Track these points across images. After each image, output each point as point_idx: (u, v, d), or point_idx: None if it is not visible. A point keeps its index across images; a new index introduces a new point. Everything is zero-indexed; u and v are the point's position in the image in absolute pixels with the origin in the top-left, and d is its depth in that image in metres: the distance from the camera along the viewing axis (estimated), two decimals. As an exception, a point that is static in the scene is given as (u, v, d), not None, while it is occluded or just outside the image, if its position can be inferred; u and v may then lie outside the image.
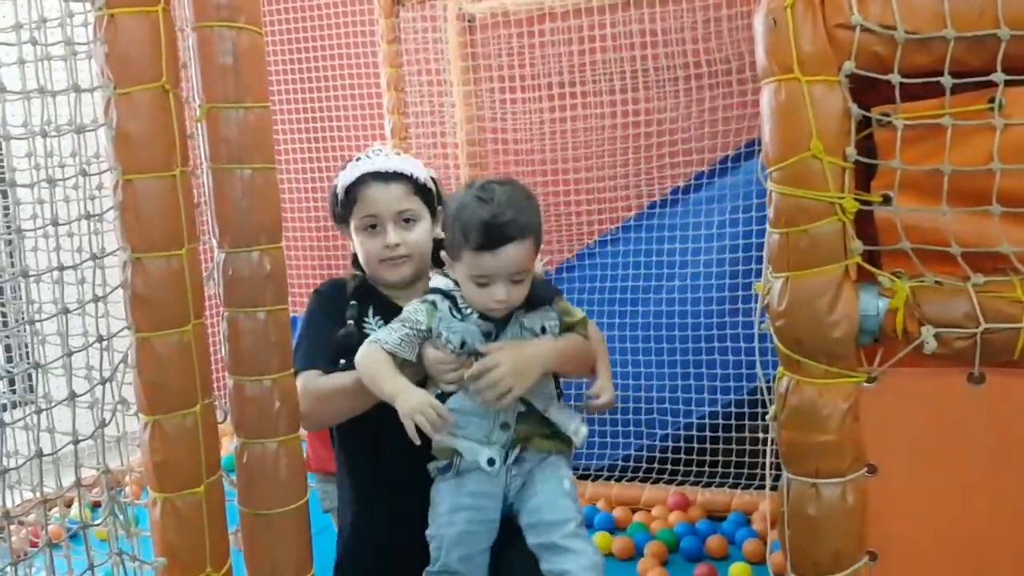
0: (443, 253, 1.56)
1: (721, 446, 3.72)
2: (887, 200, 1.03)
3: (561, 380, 1.68)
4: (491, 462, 1.53)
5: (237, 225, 1.28)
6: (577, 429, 1.60)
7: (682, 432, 3.75)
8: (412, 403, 1.42)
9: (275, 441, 1.32)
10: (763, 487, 3.67)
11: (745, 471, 3.66)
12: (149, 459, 1.22)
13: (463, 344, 1.53)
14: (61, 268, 1.20)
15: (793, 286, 1.05)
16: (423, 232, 1.69)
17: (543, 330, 1.58)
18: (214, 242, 1.30)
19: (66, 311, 1.20)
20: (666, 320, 3.87)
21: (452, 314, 1.54)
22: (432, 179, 1.74)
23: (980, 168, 1.00)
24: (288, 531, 1.34)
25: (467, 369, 1.50)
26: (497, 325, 1.55)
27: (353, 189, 1.67)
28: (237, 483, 1.34)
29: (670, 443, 3.72)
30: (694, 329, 3.83)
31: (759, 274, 1.28)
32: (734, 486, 3.65)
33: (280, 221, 1.34)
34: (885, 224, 1.05)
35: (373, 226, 1.67)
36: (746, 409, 3.68)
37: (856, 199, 1.04)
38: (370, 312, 1.69)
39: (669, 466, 3.76)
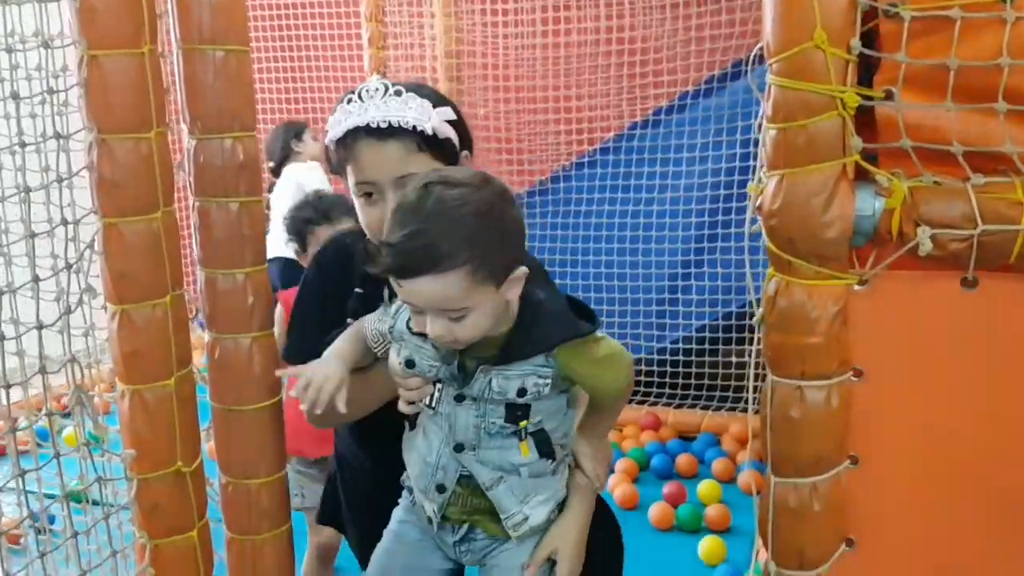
0: None
1: (693, 369, 3.75)
2: (889, 95, 1.00)
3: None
4: (429, 520, 1.31)
5: (209, 110, 1.23)
6: (519, 523, 1.28)
7: (655, 356, 3.78)
8: (319, 371, 1.22)
9: (248, 336, 1.29)
10: (734, 409, 3.74)
11: (717, 393, 3.71)
12: (117, 350, 1.19)
13: (410, 364, 1.24)
14: (23, 145, 1.14)
15: (788, 184, 1.01)
16: None
17: (521, 392, 1.21)
18: (184, 128, 1.24)
19: (28, 190, 1.14)
20: (642, 245, 3.86)
21: (408, 327, 1.24)
22: (452, 120, 1.35)
23: (987, 63, 0.96)
24: (261, 428, 1.32)
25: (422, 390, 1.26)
26: (458, 369, 1.23)
27: (343, 145, 1.31)
28: (209, 379, 1.30)
29: (643, 366, 3.75)
30: (670, 254, 3.83)
31: (741, 198, 1.25)
32: (705, 407, 3.70)
33: (254, 109, 1.28)
34: (885, 121, 1.01)
35: (369, 194, 1.31)
36: (720, 334, 3.71)
37: (858, 94, 1.00)
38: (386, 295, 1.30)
39: (642, 388, 3.79)
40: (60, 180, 1.15)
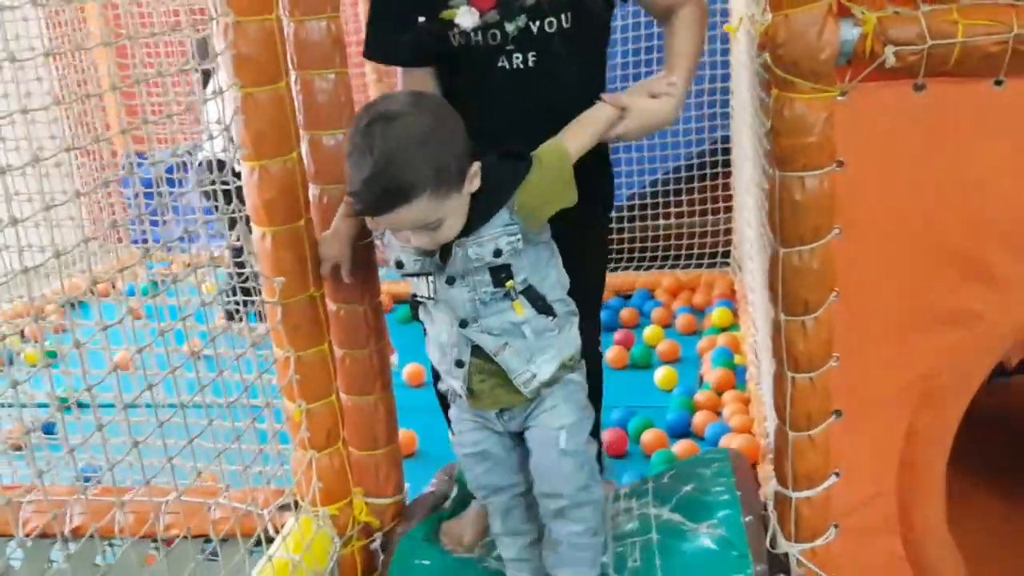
0: None
1: (626, 235, 4.15)
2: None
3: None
4: (459, 396, 1.50)
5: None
6: (527, 380, 1.44)
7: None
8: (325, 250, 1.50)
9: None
10: (663, 267, 4.14)
11: (648, 254, 4.13)
12: (257, 199, 1.44)
13: (399, 264, 1.42)
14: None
15: (791, 21, 1.35)
16: None
17: (497, 253, 1.37)
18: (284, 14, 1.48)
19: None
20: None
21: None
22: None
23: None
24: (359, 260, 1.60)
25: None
26: (440, 255, 1.39)
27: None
28: (315, 224, 1.57)
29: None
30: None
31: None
32: (637, 268, 4.12)
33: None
34: (856, -30, 1.36)
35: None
36: (648, 200, 4.11)
37: (836, -50, 1.33)
38: None
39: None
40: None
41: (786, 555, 1.62)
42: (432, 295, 1.43)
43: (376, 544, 1.71)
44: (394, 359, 2.54)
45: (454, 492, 1.85)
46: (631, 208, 4.11)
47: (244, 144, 1.41)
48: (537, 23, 1.48)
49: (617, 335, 3.56)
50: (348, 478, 1.65)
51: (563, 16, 1.48)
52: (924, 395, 1.54)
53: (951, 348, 1.50)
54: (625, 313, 3.82)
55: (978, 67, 1.36)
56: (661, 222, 4.05)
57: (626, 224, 4.12)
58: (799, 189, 1.43)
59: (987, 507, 2.10)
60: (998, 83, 1.37)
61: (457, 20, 1.46)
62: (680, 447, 2.69)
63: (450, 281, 1.40)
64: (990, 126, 1.40)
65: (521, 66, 1.49)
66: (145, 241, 3.86)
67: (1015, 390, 2.82)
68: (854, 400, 1.55)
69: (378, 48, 1.56)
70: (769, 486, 1.67)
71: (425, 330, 1.52)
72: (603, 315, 3.78)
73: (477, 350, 1.44)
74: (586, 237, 1.65)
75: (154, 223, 3.55)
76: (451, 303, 1.42)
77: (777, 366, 1.57)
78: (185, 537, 1.57)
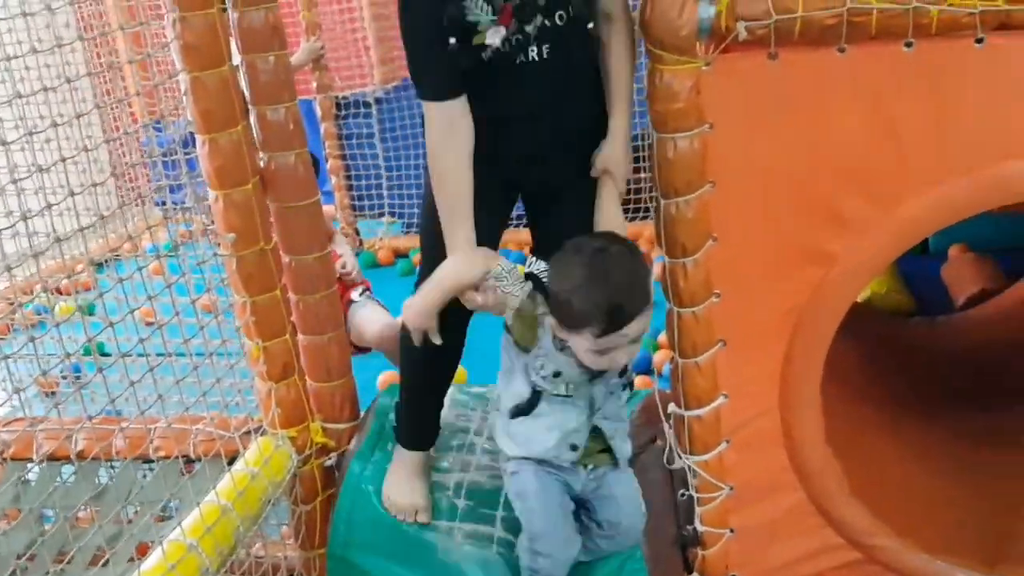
0: (551, 321, 1.61)
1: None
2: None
3: None
4: (574, 448, 1.71)
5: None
6: (625, 451, 1.77)
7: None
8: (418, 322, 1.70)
9: (292, 153, 1.81)
10: (646, 217, 4.38)
11: (631, 206, 4.32)
12: (209, 166, 1.70)
13: (557, 374, 1.64)
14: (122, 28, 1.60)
15: (656, 2, 1.55)
16: None
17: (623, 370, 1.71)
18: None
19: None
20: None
21: (553, 339, 1.63)
22: None
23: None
24: (309, 219, 1.86)
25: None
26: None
27: None
28: (268, 187, 1.83)
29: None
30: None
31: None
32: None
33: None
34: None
35: None
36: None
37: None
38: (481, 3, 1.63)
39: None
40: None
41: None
42: (570, 392, 1.67)
43: (331, 462, 1.98)
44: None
45: (372, 426, 2.05)
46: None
47: (195, 120, 1.66)
48: (550, 20, 1.71)
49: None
50: (305, 405, 1.92)
51: (569, 7, 1.71)
52: (796, 325, 1.75)
53: (815, 284, 1.71)
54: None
55: (821, 37, 1.55)
56: (644, 175, 4.23)
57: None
58: (671, 148, 1.65)
59: (907, 431, 2.33)
60: (840, 50, 1.57)
61: (488, 41, 1.65)
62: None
63: (593, 379, 1.67)
64: (836, 88, 1.59)
65: (537, 58, 1.70)
66: (164, 204, 4.17)
67: (955, 326, 3.04)
68: (736, 330, 1.77)
69: (438, 86, 1.67)
70: (669, 407, 1.90)
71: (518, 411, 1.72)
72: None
73: (593, 434, 1.72)
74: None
75: (172, 189, 3.84)
76: (586, 398, 1.68)
77: (668, 302, 1.80)
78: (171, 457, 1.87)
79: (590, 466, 1.76)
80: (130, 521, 1.98)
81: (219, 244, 1.73)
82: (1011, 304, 2.95)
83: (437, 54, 1.65)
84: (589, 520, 1.82)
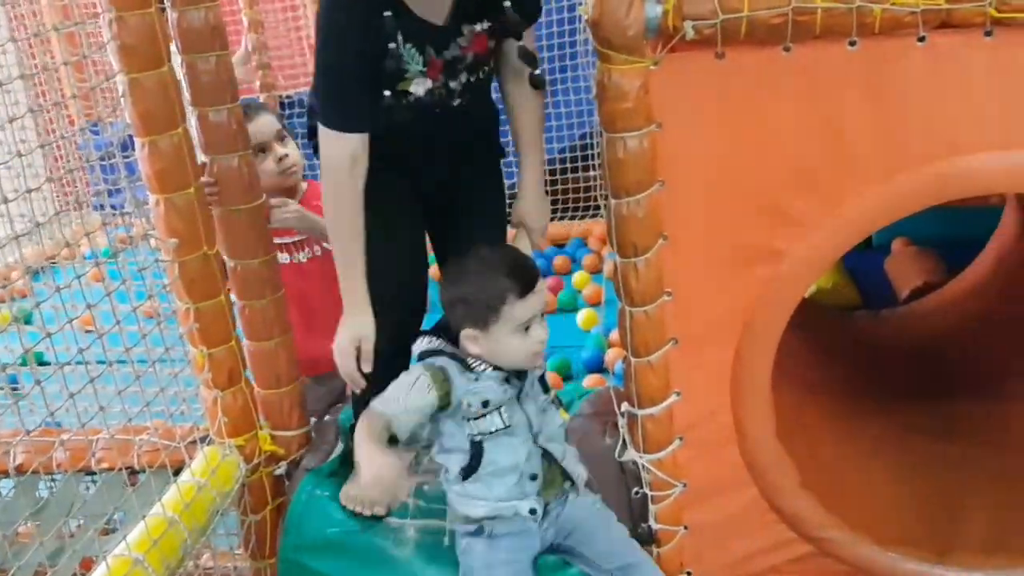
0: (464, 334, 1.59)
1: (559, 187, 4.35)
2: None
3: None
4: (532, 512, 1.63)
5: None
6: (580, 473, 1.73)
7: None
8: (376, 479, 1.52)
9: (236, 155, 1.77)
10: (596, 215, 4.40)
11: (580, 204, 4.34)
12: (149, 169, 1.65)
13: (486, 403, 1.59)
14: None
15: (604, 2, 1.54)
16: None
17: (544, 387, 1.73)
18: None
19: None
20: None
21: (465, 376, 1.60)
22: None
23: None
24: (252, 222, 1.82)
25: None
26: (512, 376, 1.62)
27: None
28: (216, 191, 1.78)
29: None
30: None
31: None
32: (572, 218, 4.34)
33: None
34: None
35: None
36: (578, 153, 4.31)
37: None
38: (399, 37, 1.66)
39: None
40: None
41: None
42: (507, 423, 1.62)
43: (281, 471, 1.95)
44: None
45: (339, 449, 2.00)
46: (562, 161, 4.31)
47: (133, 122, 1.61)
48: (474, 76, 1.79)
49: (548, 281, 3.80)
50: (252, 413, 1.88)
51: (488, 64, 1.81)
52: (746, 323, 1.77)
53: (763, 282, 1.72)
54: (558, 261, 4.05)
55: (767, 36, 1.56)
56: (592, 173, 4.26)
57: (559, 176, 4.33)
58: (621, 148, 1.64)
59: (855, 424, 2.36)
60: (786, 49, 1.58)
61: (412, 89, 1.71)
62: (588, 380, 2.94)
63: (521, 399, 1.63)
64: (782, 87, 1.60)
65: (453, 105, 1.79)
66: (103, 208, 4.06)
67: (900, 319, 3.09)
68: (687, 329, 1.78)
69: (356, 119, 1.69)
70: (623, 406, 1.90)
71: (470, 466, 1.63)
72: (538, 264, 4.03)
73: (544, 459, 1.67)
74: (494, 185, 1.97)
75: (111, 193, 3.74)
76: (523, 422, 1.64)
77: (620, 301, 1.80)
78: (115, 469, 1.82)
79: (550, 507, 1.69)
80: (72, 536, 1.92)
81: (160, 249, 1.69)
82: (954, 296, 3.01)
83: (359, 88, 1.66)
84: (587, 566, 1.74)
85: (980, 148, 1.57)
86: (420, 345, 1.65)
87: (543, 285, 1.61)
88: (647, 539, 1.92)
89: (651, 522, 1.89)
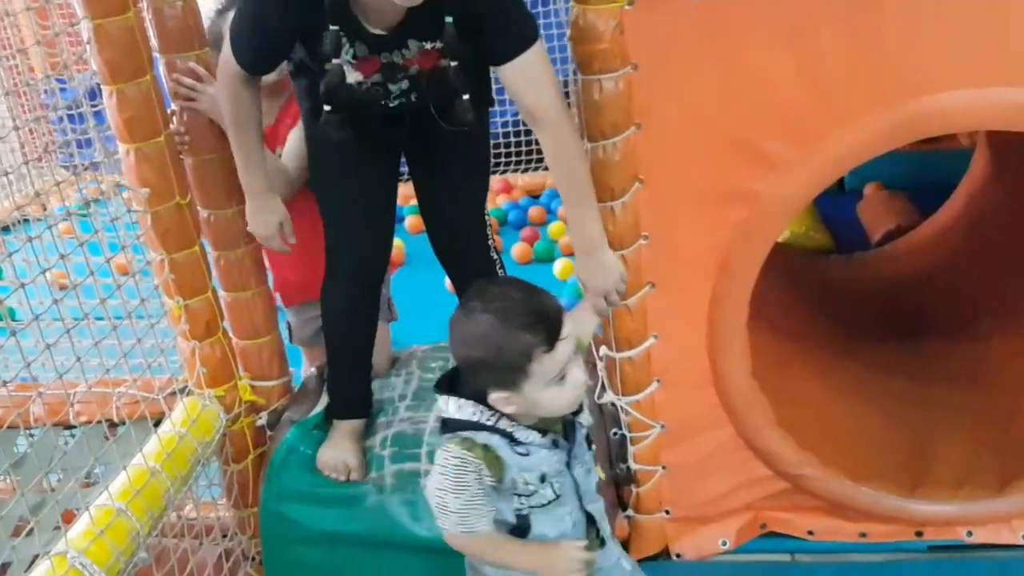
0: (494, 398, 1.33)
1: (533, 136, 4.30)
2: None
3: None
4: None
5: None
6: (608, 529, 1.53)
7: (499, 129, 4.32)
8: (562, 568, 1.37)
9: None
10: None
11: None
12: (118, 118, 1.62)
13: (543, 478, 1.38)
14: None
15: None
16: None
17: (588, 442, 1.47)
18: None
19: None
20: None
21: (515, 452, 1.35)
22: None
23: None
24: (223, 169, 1.79)
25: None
26: (561, 439, 1.40)
27: None
28: (187, 140, 1.76)
29: (493, 140, 4.28)
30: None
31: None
32: (546, 169, 4.30)
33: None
34: None
35: None
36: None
37: None
38: (344, 44, 1.56)
39: (494, 159, 4.36)
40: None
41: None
42: (558, 492, 1.40)
43: (263, 420, 1.95)
44: None
45: (323, 402, 2.01)
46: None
47: (100, 70, 1.58)
48: (422, 89, 1.67)
49: (524, 232, 3.79)
50: (231, 364, 1.88)
51: (449, 82, 1.61)
52: (721, 266, 1.78)
53: (739, 223, 1.73)
54: (533, 211, 4.05)
55: (743, -25, 1.56)
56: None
57: (533, 125, 4.28)
58: (597, 90, 1.63)
59: (829, 364, 2.40)
60: (761, -11, 1.57)
61: (346, 73, 1.59)
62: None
63: (570, 462, 1.41)
64: (758, 26, 1.60)
65: (392, 105, 1.68)
66: (73, 160, 3.99)
67: (872, 262, 3.13)
68: (664, 273, 1.79)
69: (250, 65, 1.60)
70: (601, 350, 1.92)
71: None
72: (513, 215, 4.03)
73: (589, 526, 1.46)
74: (476, 132, 1.85)
75: (80, 144, 3.68)
76: (571, 487, 1.42)
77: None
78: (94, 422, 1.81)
79: None
80: (53, 489, 1.92)
81: (133, 200, 1.66)
82: (925, 239, 3.04)
83: (267, 45, 1.59)
84: None
85: (953, 85, 1.58)
86: (450, 410, 1.38)
87: (569, 323, 1.33)
88: (626, 480, 1.95)
89: (630, 463, 1.92)
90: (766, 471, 1.94)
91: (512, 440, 1.35)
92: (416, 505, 1.80)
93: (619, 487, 1.98)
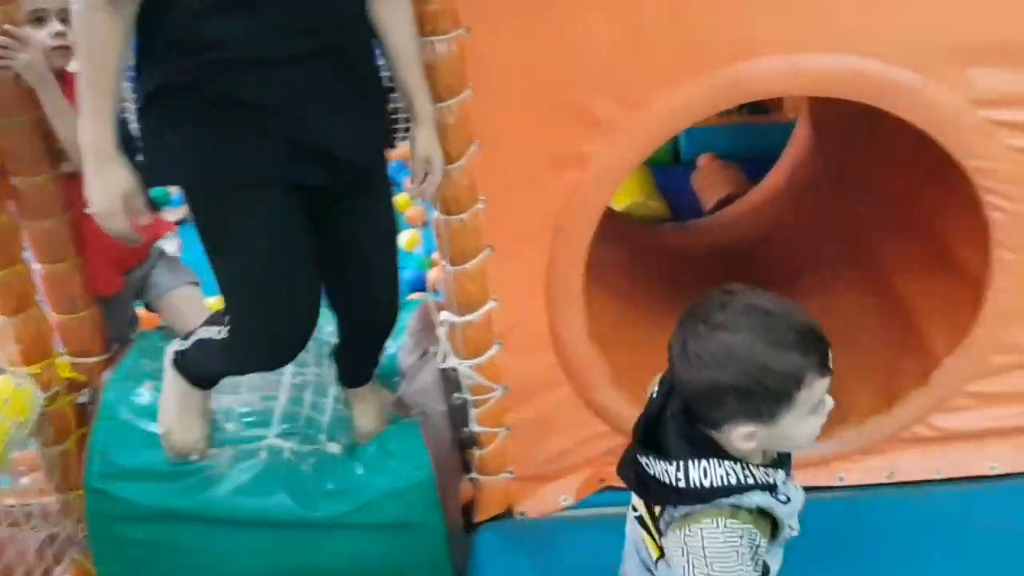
0: (738, 433, 1.13)
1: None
2: None
3: None
4: None
5: None
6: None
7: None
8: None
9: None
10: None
11: (400, 126, 4.25)
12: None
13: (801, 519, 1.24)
14: None
15: None
16: None
17: None
18: None
19: None
20: None
21: (779, 502, 1.17)
22: None
23: None
24: (29, 132, 1.68)
25: None
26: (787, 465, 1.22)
27: None
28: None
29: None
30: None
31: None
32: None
33: None
34: None
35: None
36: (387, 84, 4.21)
37: None
38: None
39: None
40: None
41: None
42: (794, 527, 1.24)
43: (84, 399, 1.85)
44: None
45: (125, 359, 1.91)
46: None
47: None
48: None
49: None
50: (47, 340, 1.77)
51: None
52: (557, 228, 1.81)
53: (572, 187, 1.77)
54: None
55: (569, -63, 1.58)
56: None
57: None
58: (430, 52, 1.62)
59: (667, 325, 2.48)
60: (586, -47, 1.60)
61: None
62: (412, 298, 2.94)
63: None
64: (585, -10, 1.63)
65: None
66: None
67: (705, 228, 3.27)
68: (502, 236, 1.81)
69: None
70: (442, 314, 1.92)
71: None
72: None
73: None
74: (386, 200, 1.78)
75: None
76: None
77: (435, 211, 1.80)
78: None
79: None
80: None
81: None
82: (753, 205, 3.20)
83: None
84: None
85: (769, 51, 1.66)
86: (692, 477, 1.14)
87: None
88: (470, 443, 1.97)
89: (473, 426, 1.93)
90: (604, 427, 2.01)
91: (771, 489, 1.16)
92: (257, 475, 1.76)
93: (464, 450, 2.00)
